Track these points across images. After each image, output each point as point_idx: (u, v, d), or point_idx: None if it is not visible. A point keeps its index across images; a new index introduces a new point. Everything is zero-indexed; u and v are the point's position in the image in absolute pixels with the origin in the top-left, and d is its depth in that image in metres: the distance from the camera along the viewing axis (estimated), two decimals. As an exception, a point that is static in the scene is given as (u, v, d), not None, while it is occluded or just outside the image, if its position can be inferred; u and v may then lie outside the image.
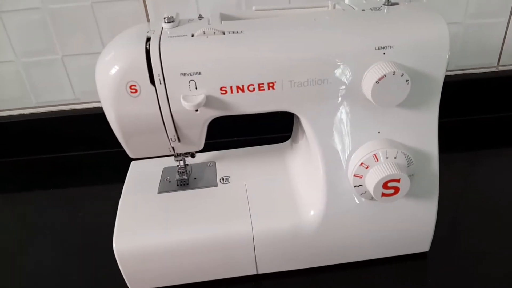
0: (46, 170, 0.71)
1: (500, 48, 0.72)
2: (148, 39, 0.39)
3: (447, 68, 0.42)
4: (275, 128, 0.68)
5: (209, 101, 0.40)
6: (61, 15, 0.64)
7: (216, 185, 0.51)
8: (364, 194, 0.44)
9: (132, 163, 0.56)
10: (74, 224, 0.59)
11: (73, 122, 0.71)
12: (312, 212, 0.46)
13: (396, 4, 0.44)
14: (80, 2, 0.63)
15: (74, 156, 0.73)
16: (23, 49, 0.66)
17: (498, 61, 0.73)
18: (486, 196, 0.59)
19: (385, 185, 0.41)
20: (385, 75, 0.38)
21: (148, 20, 0.66)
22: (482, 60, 0.73)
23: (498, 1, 0.67)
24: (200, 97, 0.39)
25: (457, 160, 0.67)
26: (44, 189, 0.67)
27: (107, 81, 0.39)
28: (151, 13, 0.65)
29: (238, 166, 0.54)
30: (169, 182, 0.52)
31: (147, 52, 0.38)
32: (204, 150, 0.48)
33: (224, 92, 0.40)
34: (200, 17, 0.45)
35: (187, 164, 0.53)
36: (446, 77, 0.45)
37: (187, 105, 0.38)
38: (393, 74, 0.38)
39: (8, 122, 0.71)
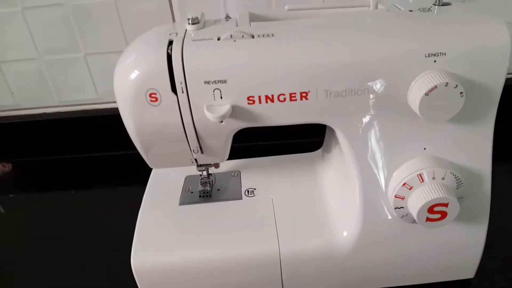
0: (67, 170, 0.70)
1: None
2: (170, 43, 0.36)
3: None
4: (306, 133, 0.64)
5: (235, 112, 0.36)
6: (84, 11, 0.61)
7: (241, 198, 0.47)
8: (406, 217, 0.39)
9: (154, 170, 0.53)
10: (93, 229, 0.57)
11: (96, 122, 0.69)
12: (345, 233, 0.42)
13: (448, 4, 0.38)
14: (103, -1, 0.60)
15: (96, 157, 0.71)
16: (45, 46, 0.64)
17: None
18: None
19: (430, 209, 0.37)
20: (436, 86, 0.33)
21: (174, 18, 0.62)
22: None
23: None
24: (225, 108, 0.35)
25: (507, 173, 0.61)
26: (64, 190, 0.65)
27: (125, 89, 0.36)
28: (176, 10, 0.61)
29: (265, 177, 0.50)
30: (191, 192, 0.49)
31: (169, 58, 0.35)
32: (229, 155, 0.44)
33: (251, 102, 0.36)
34: (228, 17, 0.41)
35: (211, 174, 0.50)
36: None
37: (211, 116, 0.35)
38: (446, 85, 0.33)
39: (31, 121, 0.69)
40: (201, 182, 0.49)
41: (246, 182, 0.50)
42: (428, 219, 0.37)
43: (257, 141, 0.68)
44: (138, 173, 0.54)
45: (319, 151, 0.53)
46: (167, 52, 0.35)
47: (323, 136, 0.53)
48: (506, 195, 0.56)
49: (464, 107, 0.35)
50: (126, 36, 0.63)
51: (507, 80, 0.58)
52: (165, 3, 0.61)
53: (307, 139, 0.60)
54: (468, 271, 0.45)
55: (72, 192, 0.64)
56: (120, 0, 0.61)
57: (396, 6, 0.39)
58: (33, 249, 0.55)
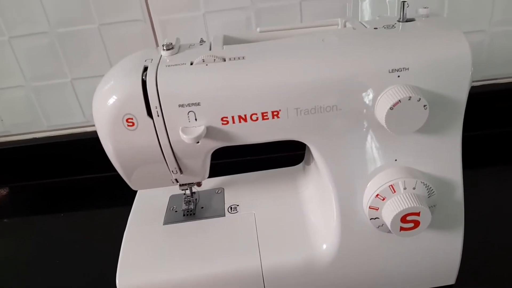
0: (57, 193, 0.71)
1: (530, 57, 0.67)
2: (145, 69, 0.37)
3: (470, 87, 0.38)
4: (290, 147, 0.65)
5: (210, 132, 0.37)
6: (69, 38, 0.63)
7: (224, 215, 0.48)
8: (381, 227, 0.41)
9: (139, 191, 0.54)
10: (83, 251, 0.57)
11: (85, 144, 0.71)
12: (324, 246, 0.43)
13: (412, 20, 0.40)
14: (87, 25, 0.62)
15: (86, 179, 0.72)
16: (32, 73, 0.66)
17: (528, 70, 0.68)
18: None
19: (403, 219, 0.38)
20: (400, 100, 0.35)
21: (157, 42, 0.64)
22: (510, 69, 0.68)
23: (527, 7, 0.63)
24: (199, 129, 0.37)
25: (485, 178, 0.62)
26: (55, 213, 0.66)
27: (103, 115, 0.37)
28: (159, 34, 0.63)
29: (248, 193, 0.51)
30: (175, 211, 0.50)
31: (143, 83, 0.36)
32: (213, 172, 0.45)
33: (225, 122, 0.37)
34: (202, 41, 0.42)
35: (194, 192, 0.51)
36: (472, 87, 0.41)
37: (186, 138, 0.36)
38: (409, 99, 0.35)
39: (21, 146, 0.71)
40: (184, 201, 0.50)
41: (229, 199, 0.51)
42: (402, 229, 0.38)
43: (241, 157, 0.69)
44: (127, 193, 0.55)
45: (301, 164, 0.55)
46: (142, 78, 0.36)
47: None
48: (482, 199, 0.57)
49: (431, 118, 0.36)
50: (111, 60, 0.65)
51: (474, 88, 0.59)
52: (148, 28, 0.63)
53: (292, 152, 0.61)
54: (448, 277, 0.45)
55: (62, 215, 0.65)
56: (103, 26, 0.62)
57: (362, 24, 0.41)
58: (24, 273, 0.55)
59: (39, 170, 0.72)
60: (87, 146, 0.70)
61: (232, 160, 0.67)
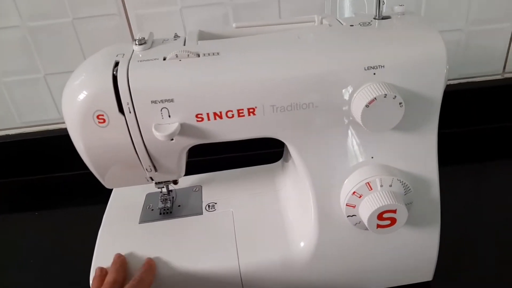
0: (31, 191, 0.69)
1: (505, 55, 0.68)
2: (117, 64, 0.36)
3: (445, 85, 0.38)
4: (268, 144, 0.65)
5: (184, 130, 0.37)
6: (42, 33, 0.61)
7: (201, 213, 0.48)
8: (358, 224, 0.40)
9: (115, 189, 0.53)
10: (58, 250, 0.56)
11: (59, 141, 0.68)
12: (302, 244, 0.43)
13: (388, 18, 0.40)
14: (60, 19, 0.60)
15: (60, 177, 0.70)
16: (4, 68, 0.64)
17: (504, 68, 0.69)
18: (494, 214, 0.55)
19: (380, 216, 0.38)
20: (375, 98, 0.35)
21: (133, 36, 0.63)
22: (486, 68, 0.69)
23: (502, 6, 0.63)
24: (173, 126, 0.36)
25: (461, 174, 0.63)
26: (29, 211, 0.64)
27: (72, 111, 0.36)
28: (135, 28, 0.62)
29: (226, 191, 0.51)
30: (152, 210, 0.49)
31: (114, 79, 0.35)
32: (190, 170, 0.44)
33: (200, 119, 0.36)
34: (176, 36, 0.41)
35: (171, 190, 0.50)
36: (449, 86, 0.41)
37: (159, 135, 0.35)
38: (385, 96, 0.35)
39: (-8, 143, 0.68)
40: (161, 199, 0.49)
41: (207, 197, 0.50)
42: (378, 226, 0.38)
43: (219, 155, 0.68)
44: (103, 191, 0.54)
45: (279, 162, 0.54)
46: (113, 73, 0.35)
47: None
48: (459, 195, 0.58)
49: (407, 116, 0.36)
50: (86, 55, 0.63)
51: (451, 86, 0.59)
52: (124, 22, 0.61)
53: (271, 149, 0.60)
54: (426, 273, 0.46)
55: (36, 213, 0.64)
56: (77, 20, 0.61)
57: (339, 21, 0.41)
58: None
59: (12, 167, 0.70)
60: (61, 143, 0.67)
61: (210, 157, 0.66)
